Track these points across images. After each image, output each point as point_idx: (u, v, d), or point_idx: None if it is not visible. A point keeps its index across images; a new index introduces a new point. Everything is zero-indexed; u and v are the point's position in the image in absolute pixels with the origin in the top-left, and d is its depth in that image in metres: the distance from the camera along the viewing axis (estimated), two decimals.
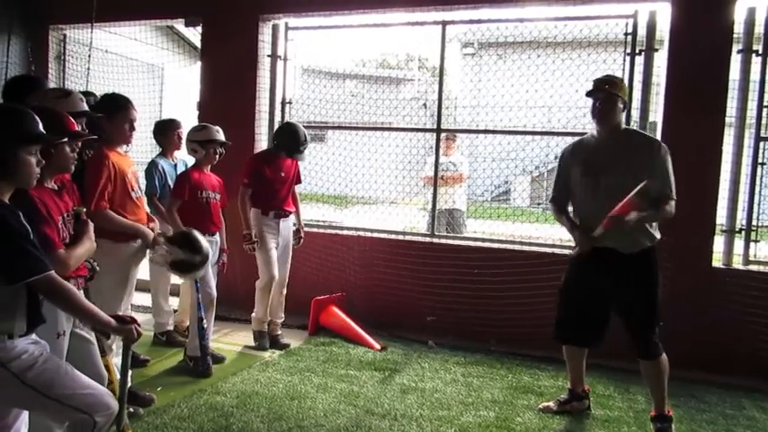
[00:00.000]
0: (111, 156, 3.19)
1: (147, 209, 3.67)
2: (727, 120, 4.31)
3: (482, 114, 6.03)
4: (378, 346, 4.60)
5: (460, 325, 4.82)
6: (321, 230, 5.50)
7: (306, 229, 4.91)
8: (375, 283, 5.14)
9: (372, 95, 6.15)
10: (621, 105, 3.28)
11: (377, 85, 13.56)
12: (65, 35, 6.51)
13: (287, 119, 5.57)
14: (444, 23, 5.14)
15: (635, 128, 4.18)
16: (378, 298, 5.11)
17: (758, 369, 4.15)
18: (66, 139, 2.23)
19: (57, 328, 2.24)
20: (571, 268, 3.41)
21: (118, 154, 3.27)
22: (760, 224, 4.52)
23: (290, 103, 5.72)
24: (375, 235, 5.32)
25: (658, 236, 3.26)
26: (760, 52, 4.34)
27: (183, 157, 4.70)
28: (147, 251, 3.48)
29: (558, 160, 3.55)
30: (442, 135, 5.48)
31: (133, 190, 3.28)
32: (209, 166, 4.18)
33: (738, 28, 4.34)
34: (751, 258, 4.51)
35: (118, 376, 2.51)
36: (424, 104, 11.21)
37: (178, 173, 4.41)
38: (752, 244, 4.50)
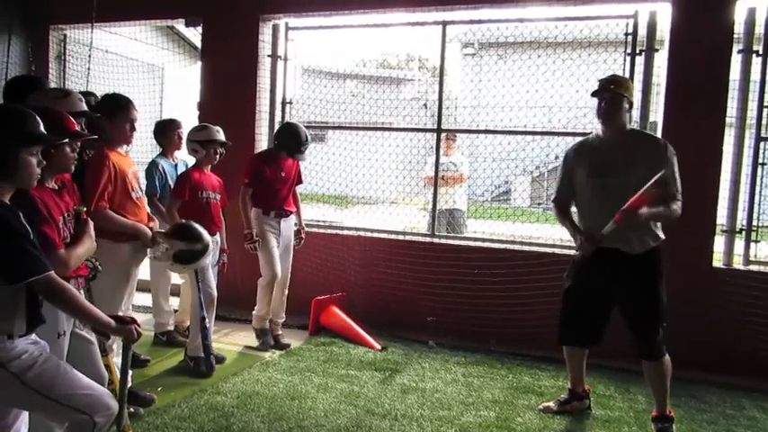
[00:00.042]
0: (112, 156, 3.19)
1: (148, 209, 3.67)
2: (728, 120, 4.31)
3: (482, 114, 6.04)
4: (378, 347, 4.60)
5: (461, 325, 4.82)
6: (321, 230, 5.49)
7: (306, 229, 4.91)
8: (375, 283, 5.13)
9: (373, 95, 6.16)
10: (627, 105, 3.24)
11: (377, 86, 13.56)
12: (65, 35, 6.51)
13: (287, 119, 5.57)
14: (444, 23, 5.14)
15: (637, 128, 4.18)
16: (378, 298, 5.11)
17: (758, 369, 4.14)
18: (66, 140, 2.24)
19: (57, 329, 2.24)
20: (575, 270, 3.36)
21: (118, 154, 3.27)
22: (760, 224, 4.52)
23: (290, 103, 5.72)
24: (375, 235, 5.32)
25: (662, 236, 3.25)
26: (760, 52, 4.34)
27: (184, 158, 4.70)
28: (148, 251, 3.48)
29: (561, 161, 3.52)
30: (443, 135, 5.47)
31: (133, 190, 3.28)
32: (210, 167, 4.18)
33: (739, 28, 4.34)
34: (751, 258, 4.51)
35: (119, 376, 2.51)
36: (425, 104, 11.21)
37: (178, 173, 4.41)
38: (752, 244, 4.50)
